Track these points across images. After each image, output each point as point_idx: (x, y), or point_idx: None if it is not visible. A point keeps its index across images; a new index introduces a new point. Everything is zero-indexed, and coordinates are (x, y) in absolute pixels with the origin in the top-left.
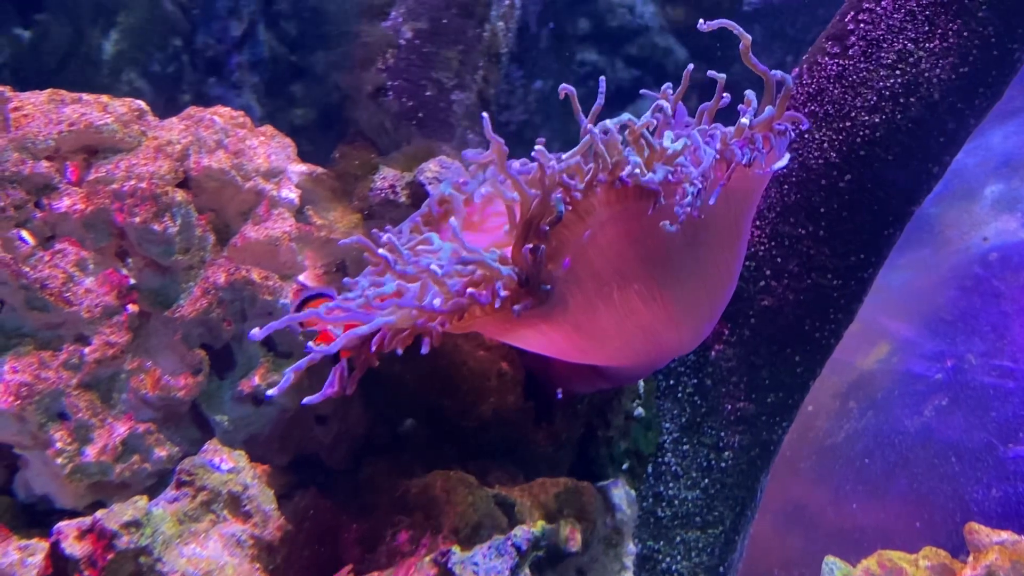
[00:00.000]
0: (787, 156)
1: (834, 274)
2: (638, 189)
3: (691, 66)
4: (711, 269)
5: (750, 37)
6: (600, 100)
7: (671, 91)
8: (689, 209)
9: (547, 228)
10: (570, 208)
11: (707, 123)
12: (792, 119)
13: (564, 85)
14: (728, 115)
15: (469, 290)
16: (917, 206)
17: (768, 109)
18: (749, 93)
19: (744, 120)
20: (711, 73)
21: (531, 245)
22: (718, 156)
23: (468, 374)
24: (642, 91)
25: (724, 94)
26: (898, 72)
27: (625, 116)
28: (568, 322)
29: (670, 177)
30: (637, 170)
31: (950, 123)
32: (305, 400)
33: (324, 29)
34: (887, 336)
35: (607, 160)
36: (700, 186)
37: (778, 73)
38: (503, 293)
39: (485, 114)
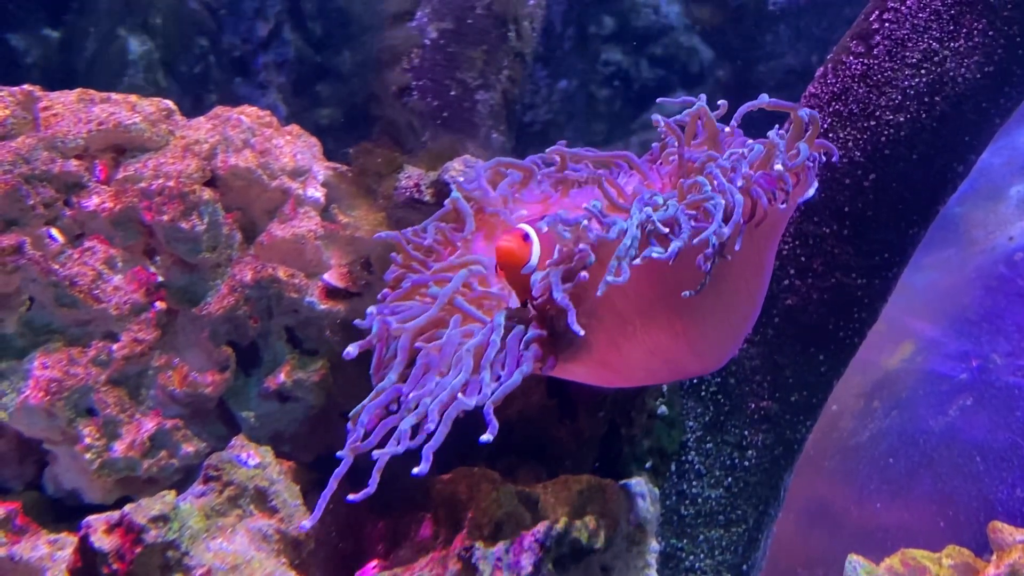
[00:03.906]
0: (815, 185)
1: (858, 273)
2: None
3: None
4: (735, 301)
5: (767, 97)
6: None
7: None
8: (710, 266)
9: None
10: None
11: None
12: (823, 148)
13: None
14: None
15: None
16: (942, 205)
17: (801, 146)
18: (773, 135)
19: (778, 166)
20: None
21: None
22: (742, 200)
23: None
24: (659, 100)
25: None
26: (923, 71)
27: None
28: (593, 359)
29: (693, 224)
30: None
31: (975, 122)
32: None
33: (350, 29)
34: (912, 335)
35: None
36: (720, 241)
37: (804, 112)
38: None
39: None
